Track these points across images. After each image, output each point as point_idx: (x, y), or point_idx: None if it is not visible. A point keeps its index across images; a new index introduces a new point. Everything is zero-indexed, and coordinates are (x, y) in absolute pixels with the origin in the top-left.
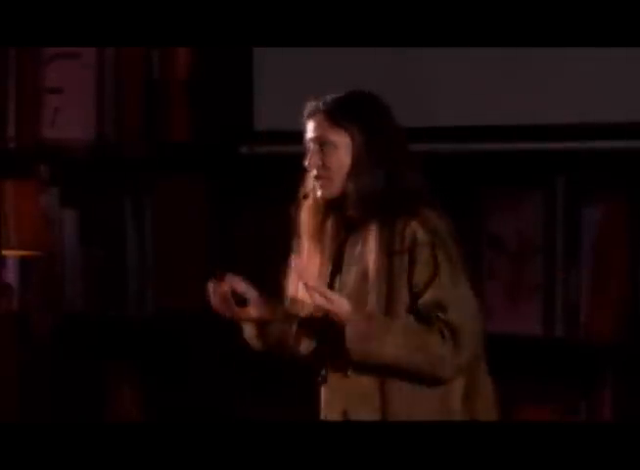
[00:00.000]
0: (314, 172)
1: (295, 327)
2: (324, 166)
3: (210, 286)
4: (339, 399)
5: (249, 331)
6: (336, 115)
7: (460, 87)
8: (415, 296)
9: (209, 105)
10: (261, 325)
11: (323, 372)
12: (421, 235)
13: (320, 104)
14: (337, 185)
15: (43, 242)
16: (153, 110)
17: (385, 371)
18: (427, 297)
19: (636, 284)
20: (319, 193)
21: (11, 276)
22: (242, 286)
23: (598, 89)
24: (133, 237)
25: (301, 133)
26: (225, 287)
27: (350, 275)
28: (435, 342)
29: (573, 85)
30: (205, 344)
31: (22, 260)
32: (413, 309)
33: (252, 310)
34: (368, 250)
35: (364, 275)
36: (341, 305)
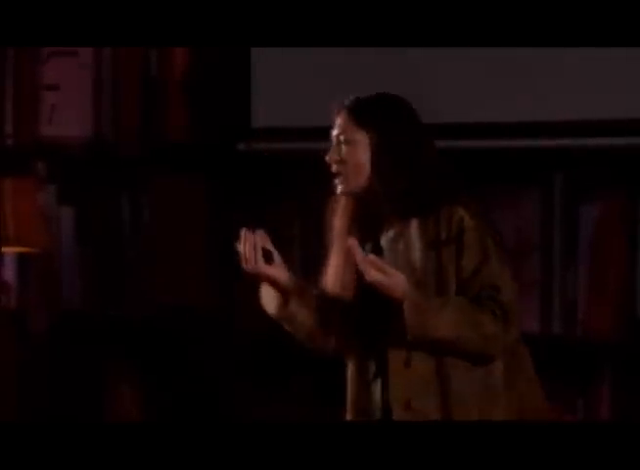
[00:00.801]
0: (334, 168)
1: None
2: (341, 162)
3: (243, 233)
4: (401, 390)
5: (268, 295)
6: (357, 113)
7: (458, 85)
8: (463, 280)
9: (207, 103)
10: (284, 295)
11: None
12: (468, 220)
13: (345, 102)
14: (353, 182)
15: (41, 239)
16: (150, 108)
17: (438, 349)
18: (479, 279)
19: (633, 281)
20: (338, 189)
21: (8, 273)
22: (270, 245)
23: (594, 87)
24: (131, 235)
25: (299, 130)
26: (257, 238)
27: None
28: (488, 320)
29: (570, 83)
30: (205, 342)
31: (20, 258)
32: (461, 293)
33: (274, 270)
34: (412, 244)
35: (412, 270)
36: (398, 279)
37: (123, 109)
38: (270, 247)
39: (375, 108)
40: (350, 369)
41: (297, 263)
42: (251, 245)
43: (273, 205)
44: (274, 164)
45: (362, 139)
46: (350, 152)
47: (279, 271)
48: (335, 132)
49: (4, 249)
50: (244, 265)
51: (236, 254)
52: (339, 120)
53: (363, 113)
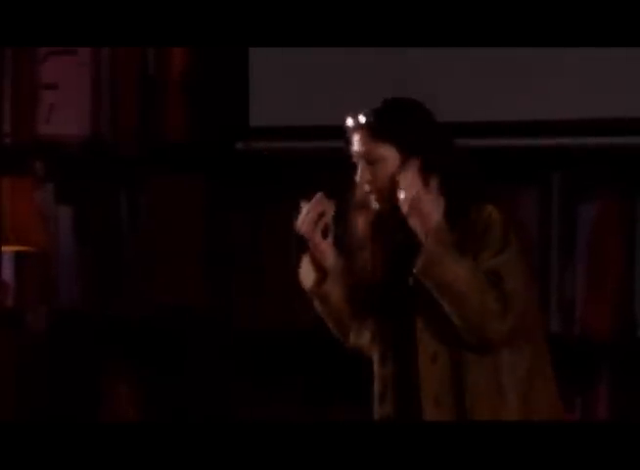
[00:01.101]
0: (366, 188)
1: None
2: (375, 181)
3: (318, 196)
4: (429, 386)
5: (307, 269)
6: (379, 129)
7: (457, 84)
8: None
9: (205, 102)
10: (322, 273)
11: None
12: (495, 214)
13: (362, 118)
14: (389, 197)
15: (39, 238)
16: (148, 107)
17: (440, 300)
18: (489, 264)
19: (631, 280)
20: (376, 206)
21: (6, 272)
22: (331, 220)
23: (593, 86)
24: (129, 234)
25: (297, 129)
26: (326, 208)
27: None
28: (493, 297)
29: (568, 83)
30: (203, 342)
31: (18, 257)
32: None
33: (325, 245)
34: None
35: None
36: (436, 207)
37: (122, 108)
38: (330, 222)
39: (395, 119)
40: (376, 364)
41: (294, 262)
42: (317, 211)
43: (272, 204)
44: (272, 163)
45: (390, 154)
46: (381, 169)
47: (328, 248)
48: (357, 150)
49: (2, 248)
50: (299, 226)
51: (233, 251)
52: (359, 138)
53: (385, 128)
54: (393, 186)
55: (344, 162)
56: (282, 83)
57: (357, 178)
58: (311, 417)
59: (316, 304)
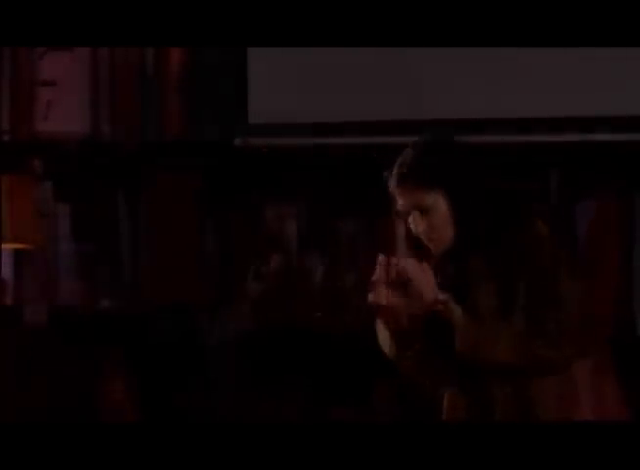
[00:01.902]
0: (422, 237)
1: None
2: (431, 229)
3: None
4: (514, 406)
5: (388, 338)
6: (423, 179)
7: (457, 82)
8: (530, 288)
9: (203, 99)
10: (403, 340)
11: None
12: (544, 230)
13: (403, 170)
14: (446, 238)
15: (37, 236)
16: (147, 104)
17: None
18: (545, 289)
19: (630, 278)
20: (433, 249)
21: (5, 270)
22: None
23: (592, 85)
24: (127, 232)
25: (295, 126)
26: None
27: (482, 292)
28: (543, 347)
29: (567, 80)
30: (203, 342)
31: (16, 254)
32: (526, 303)
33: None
34: (499, 264)
35: (498, 291)
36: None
37: (120, 105)
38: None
39: (436, 164)
40: (450, 399)
41: (293, 259)
42: (401, 279)
43: (270, 201)
44: (271, 160)
45: (439, 200)
46: (433, 216)
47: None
48: (408, 204)
49: (1, 245)
50: (380, 295)
51: (231, 249)
52: (404, 191)
53: (429, 175)
54: (447, 226)
55: (342, 159)
56: (280, 80)
57: (412, 229)
58: (312, 418)
59: (408, 367)
